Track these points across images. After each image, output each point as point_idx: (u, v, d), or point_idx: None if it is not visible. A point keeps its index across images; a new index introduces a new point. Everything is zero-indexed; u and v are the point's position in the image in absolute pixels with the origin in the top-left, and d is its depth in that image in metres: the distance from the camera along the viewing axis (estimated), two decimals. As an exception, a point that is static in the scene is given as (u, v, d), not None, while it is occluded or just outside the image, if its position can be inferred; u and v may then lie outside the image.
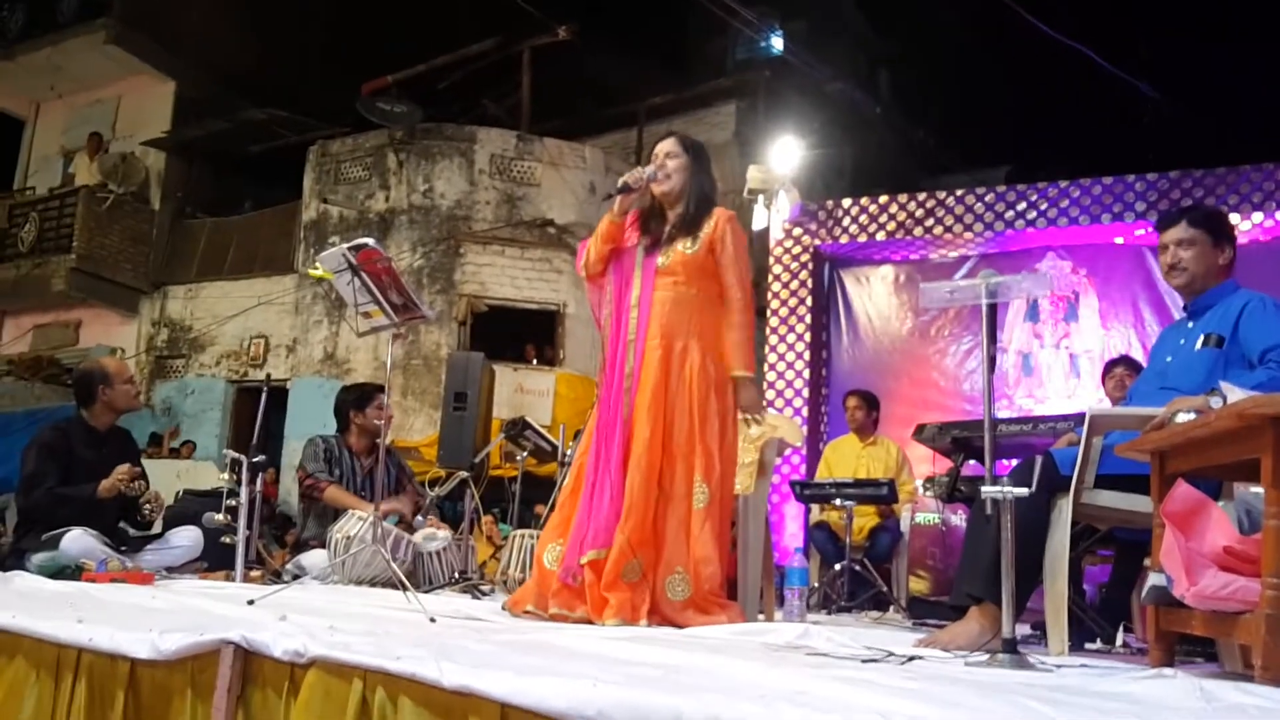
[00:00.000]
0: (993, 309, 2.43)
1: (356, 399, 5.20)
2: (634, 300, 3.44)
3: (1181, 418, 2.47)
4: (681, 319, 3.39)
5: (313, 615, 2.70)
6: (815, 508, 6.56)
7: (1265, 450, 1.88)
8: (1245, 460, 2.04)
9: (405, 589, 3.29)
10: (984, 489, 2.35)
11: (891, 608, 5.85)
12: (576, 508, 3.38)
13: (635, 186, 3.42)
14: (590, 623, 3.13)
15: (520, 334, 12.15)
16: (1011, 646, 2.36)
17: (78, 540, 3.84)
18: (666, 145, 3.53)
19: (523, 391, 11.59)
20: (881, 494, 5.98)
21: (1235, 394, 2.05)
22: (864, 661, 2.40)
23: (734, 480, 3.58)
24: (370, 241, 3.32)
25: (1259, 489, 2.09)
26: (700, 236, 3.43)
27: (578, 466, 3.50)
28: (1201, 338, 3.06)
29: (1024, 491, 2.34)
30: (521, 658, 1.88)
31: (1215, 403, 2.58)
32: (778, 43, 17.12)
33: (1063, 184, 7.27)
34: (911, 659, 2.49)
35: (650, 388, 3.34)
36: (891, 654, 2.54)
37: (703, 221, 3.46)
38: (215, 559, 4.29)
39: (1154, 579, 2.24)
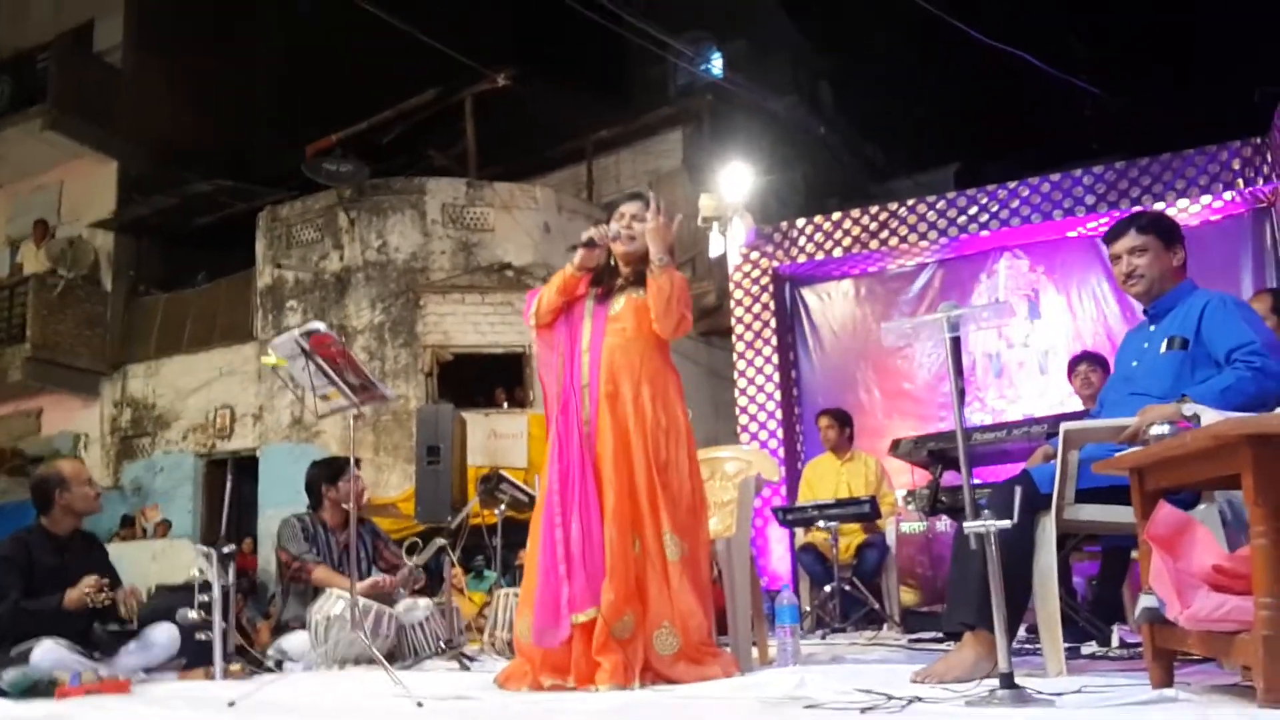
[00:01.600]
0: (956, 342, 2.41)
1: (328, 474, 5.09)
2: (585, 346, 3.48)
3: (1155, 430, 2.44)
4: (632, 363, 3.42)
5: (294, 716, 2.63)
6: (800, 530, 6.51)
7: (1245, 468, 1.86)
8: (1224, 475, 2.02)
9: (389, 672, 3.21)
10: (966, 524, 2.31)
11: (885, 625, 5.83)
12: (538, 570, 3.31)
13: (601, 243, 3.50)
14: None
15: (488, 379, 12.05)
16: (1009, 681, 2.31)
17: (49, 653, 3.72)
18: (633, 208, 3.57)
19: (496, 437, 11.49)
20: (864, 512, 5.96)
21: (1209, 415, 2.03)
22: (863, 711, 2.36)
23: (706, 526, 3.54)
24: (321, 326, 3.27)
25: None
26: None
27: (536, 526, 3.42)
28: (1165, 341, 3.05)
29: (1006, 524, 2.31)
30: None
31: (1186, 410, 2.56)
32: (718, 64, 17.22)
33: (1011, 184, 7.29)
34: (910, 702, 2.44)
35: (610, 436, 3.32)
36: (890, 697, 2.49)
37: None
38: (194, 655, 4.17)
39: (1145, 600, 2.21)
